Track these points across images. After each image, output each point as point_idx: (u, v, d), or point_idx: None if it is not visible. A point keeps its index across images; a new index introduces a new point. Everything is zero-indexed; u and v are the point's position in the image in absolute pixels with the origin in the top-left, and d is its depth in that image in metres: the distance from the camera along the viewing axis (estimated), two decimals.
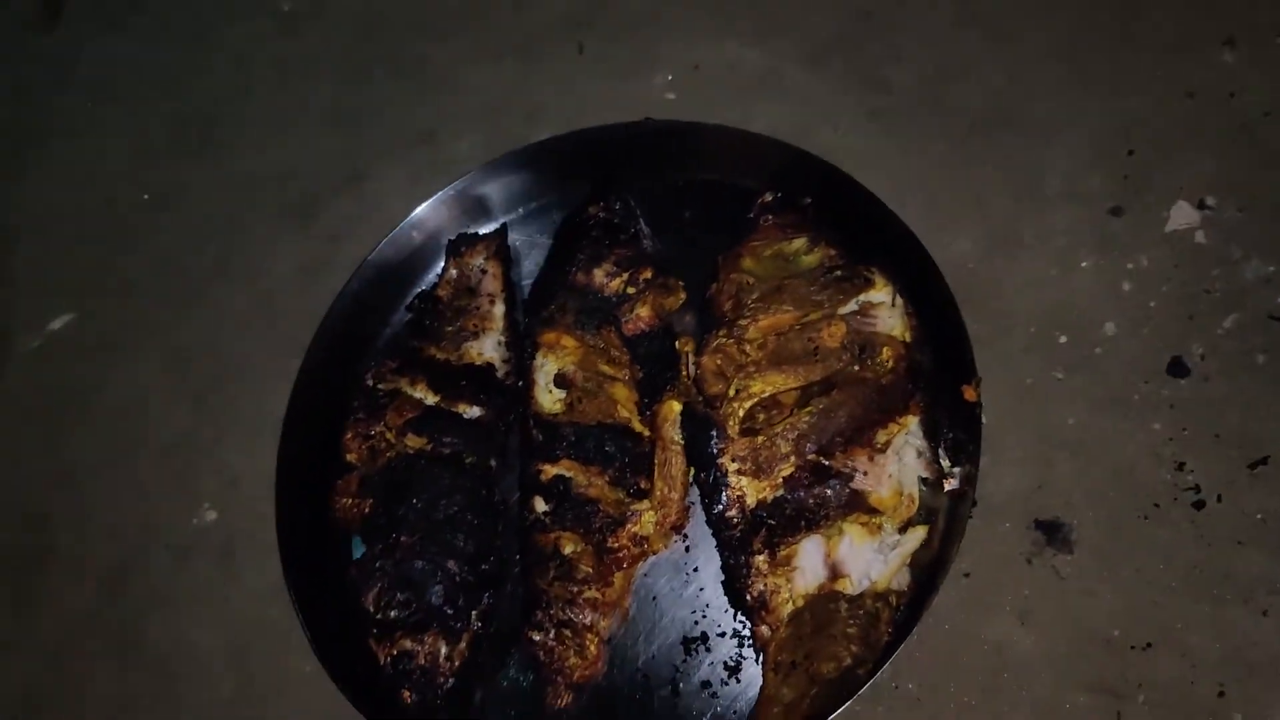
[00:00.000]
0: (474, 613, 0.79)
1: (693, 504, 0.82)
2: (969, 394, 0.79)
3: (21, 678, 0.90)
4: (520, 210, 0.98)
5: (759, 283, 0.85)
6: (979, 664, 0.77)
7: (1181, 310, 0.88)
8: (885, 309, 0.82)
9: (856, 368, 0.79)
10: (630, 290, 0.88)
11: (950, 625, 0.79)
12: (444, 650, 0.77)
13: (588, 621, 0.78)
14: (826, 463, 0.77)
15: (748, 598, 0.76)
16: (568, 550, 0.79)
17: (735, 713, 0.76)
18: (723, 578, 0.80)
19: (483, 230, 0.96)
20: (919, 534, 0.77)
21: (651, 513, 0.81)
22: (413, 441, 0.83)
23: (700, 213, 0.95)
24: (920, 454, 0.79)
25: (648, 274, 0.88)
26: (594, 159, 0.95)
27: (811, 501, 0.76)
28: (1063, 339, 0.89)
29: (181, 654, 0.89)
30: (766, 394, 0.80)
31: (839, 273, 0.84)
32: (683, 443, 0.82)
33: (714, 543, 0.80)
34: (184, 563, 0.93)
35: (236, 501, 0.94)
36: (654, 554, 0.82)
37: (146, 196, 1.11)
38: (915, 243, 0.84)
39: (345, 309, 0.91)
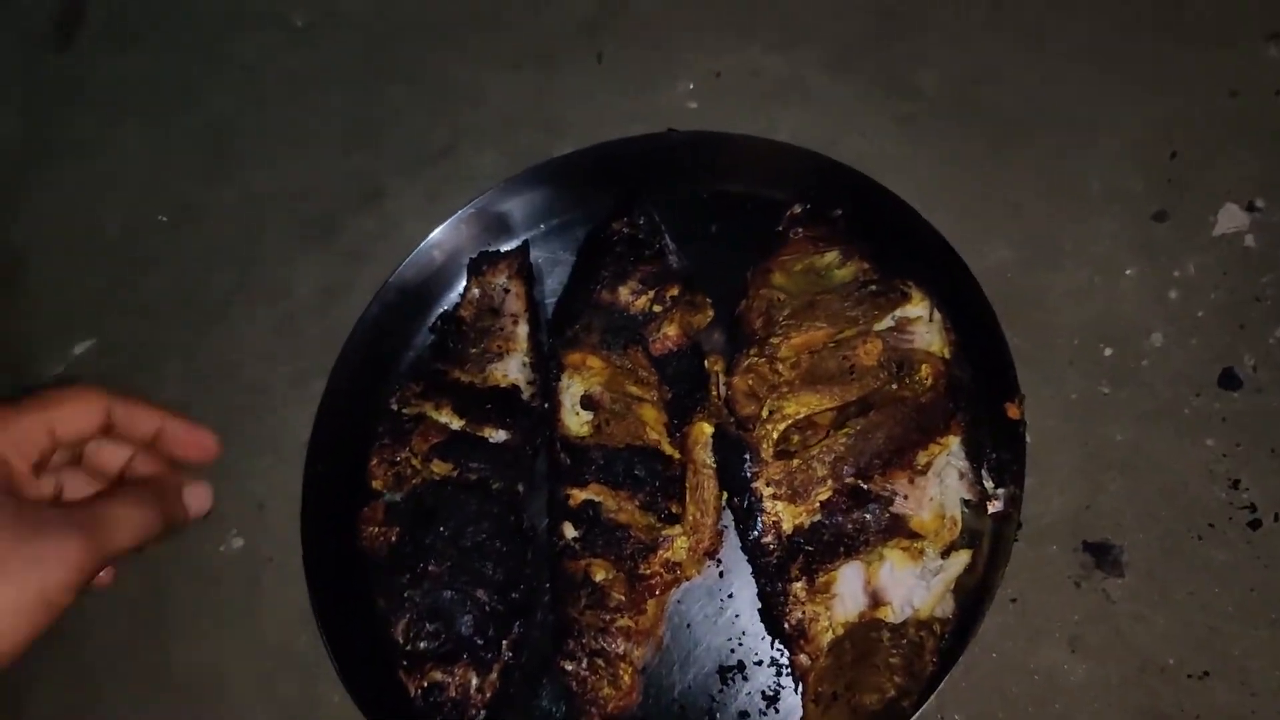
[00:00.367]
0: (504, 642, 0.77)
1: (726, 528, 0.80)
2: (1012, 412, 0.76)
3: (54, 710, 0.90)
4: (542, 226, 0.96)
5: (790, 299, 0.82)
6: (1028, 694, 0.75)
7: (1232, 319, 0.85)
8: (923, 324, 0.80)
9: (894, 386, 0.77)
10: (657, 308, 0.85)
11: (997, 654, 0.76)
12: (475, 681, 0.75)
13: (621, 650, 0.76)
14: (865, 486, 0.74)
15: (785, 626, 0.74)
16: (599, 577, 0.77)
17: None
18: (759, 604, 0.77)
19: (504, 248, 0.95)
20: (963, 559, 0.74)
21: (684, 538, 0.79)
22: (439, 467, 0.82)
23: (727, 226, 0.93)
24: (963, 475, 0.76)
25: (674, 291, 0.86)
26: (616, 173, 0.93)
27: (850, 526, 0.74)
28: (1108, 351, 0.86)
29: (209, 683, 0.88)
30: (801, 415, 0.77)
31: (873, 287, 0.81)
32: (714, 466, 0.79)
33: (749, 568, 0.78)
34: (212, 591, 0.92)
35: (263, 528, 0.93)
36: (687, 580, 0.79)
37: (163, 217, 1.10)
38: (952, 254, 0.81)
39: (367, 333, 0.90)
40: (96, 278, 1.08)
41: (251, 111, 1.16)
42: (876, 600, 0.73)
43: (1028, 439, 0.76)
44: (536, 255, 0.95)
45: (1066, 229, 0.91)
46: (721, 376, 0.83)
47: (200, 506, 0.62)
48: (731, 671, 0.77)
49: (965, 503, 0.76)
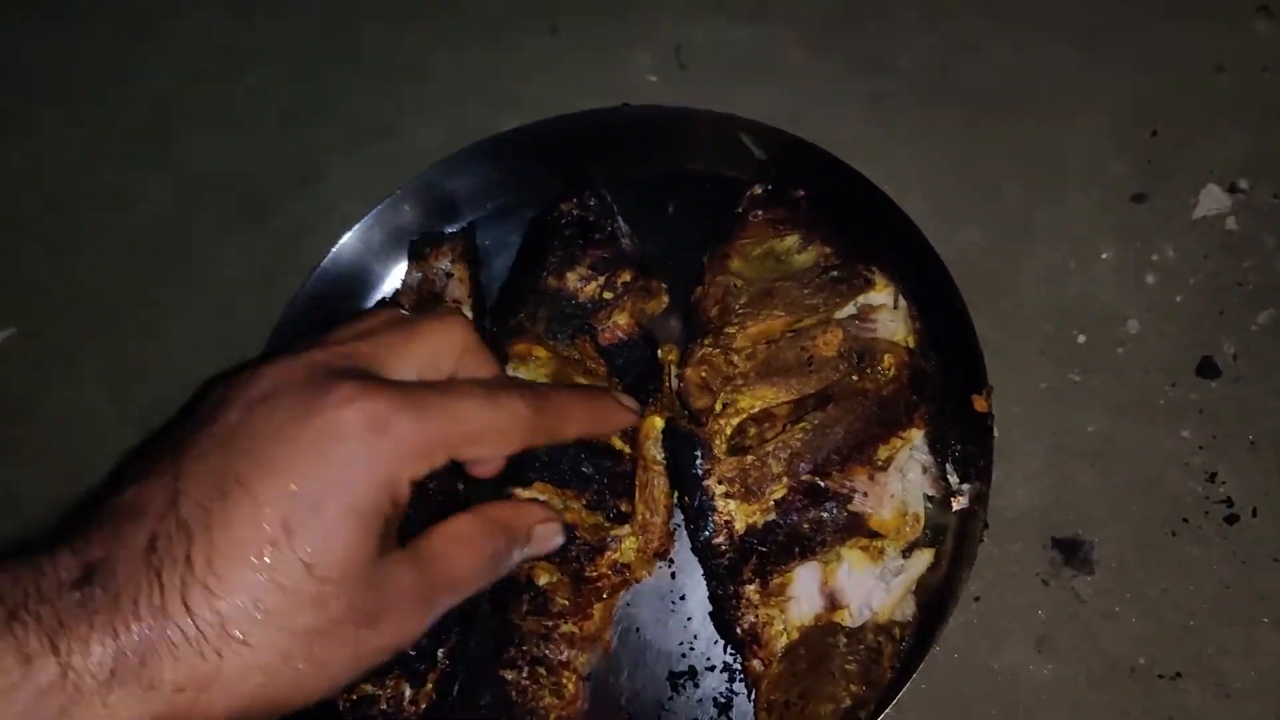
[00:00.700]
0: (440, 651, 0.72)
1: (678, 526, 0.76)
2: (979, 404, 0.72)
3: None
4: (489, 206, 0.91)
5: (747, 285, 0.77)
6: (991, 696, 0.71)
7: (1211, 305, 0.81)
8: (886, 312, 0.75)
9: (855, 378, 0.72)
10: (607, 295, 0.80)
11: (959, 654, 0.72)
12: (408, 694, 0.71)
13: (564, 658, 0.72)
14: (822, 483, 0.70)
15: (738, 630, 0.70)
16: (542, 581, 0.73)
17: None
18: (711, 608, 0.73)
19: (448, 230, 0.89)
20: (925, 558, 0.70)
21: (633, 538, 0.74)
22: None
23: (685, 207, 0.88)
24: (926, 470, 0.72)
25: (626, 277, 0.81)
26: (567, 150, 0.88)
27: (806, 526, 0.69)
28: (1081, 338, 0.81)
29: None
30: (756, 409, 0.73)
31: (835, 273, 0.76)
32: (664, 462, 0.75)
33: (702, 570, 0.74)
34: None
35: None
36: (637, 582, 0.75)
37: (91, 200, 1.04)
38: (919, 236, 0.77)
39: (297, 320, 0.84)
40: (18, 264, 1.02)
41: (186, 91, 1.09)
42: (833, 603, 0.69)
43: (995, 433, 0.72)
44: (483, 238, 0.89)
45: (1041, 210, 0.87)
46: (674, 368, 0.78)
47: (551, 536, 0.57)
48: (682, 678, 0.73)
49: (928, 499, 0.72)
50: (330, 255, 0.85)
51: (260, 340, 0.85)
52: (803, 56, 0.99)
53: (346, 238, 0.86)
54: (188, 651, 0.39)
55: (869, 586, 0.69)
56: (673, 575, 0.76)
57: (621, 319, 0.80)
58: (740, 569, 0.70)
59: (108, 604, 0.38)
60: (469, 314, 0.84)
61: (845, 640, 0.67)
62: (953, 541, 0.71)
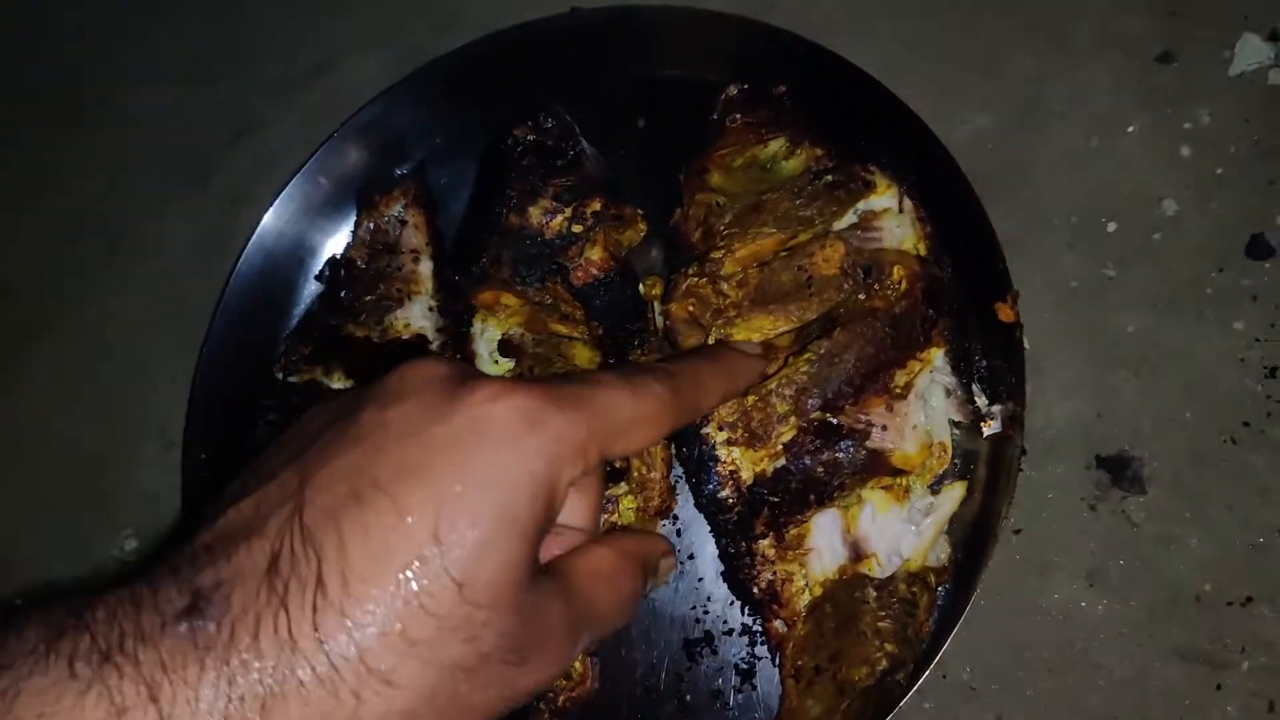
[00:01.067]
0: None
1: (679, 480, 0.68)
2: (1004, 313, 0.64)
3: None
4: (438, 141, 0.81)
5: (731, 202, 0.68)
6: (1043, 640, 0.64)
7: (1258, 174, 0.71)
8: (891, 217, 0.66)
9: (862, 296, 0.64)
10: (576, 229, 0.71)
11: (1003, 596, 0.65)
12: None
13: None
14: (835, 420, 0.62)
15: (755, 590, 0.63)
16: None
17: None
18: (723, 567, 0.66)
19: (398, 172, 0.80)
20: (956, 492, 0.63)
21: (630, 498, 0.67)
22: None
23: (656, 120, 0.78)
24: (950, 394, 0.64)
25: (596, 206, 0.72)
26: (516, 68, 0.78)
27: (820, 470, 0.62)
28: (1111, 226, 0.72)
29: None
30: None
31: (830, 177, 0.67)
32: None
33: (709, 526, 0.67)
34: None
35: (158, 525, 0.81)
36: None
37: (16, 179, 0.95)
38: (920, 126, 0.67)
39: (244, 288, 0.76)
40: None
41: (100, 47, 0.98)
42: (858, 552, 0.62)
43: (1025, 343, 0.64)
44: (436, 178, 0.80)
45: (1055, 83, 0.77)
46: (658, 304, 0.70)
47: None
48: (699, 645, 0.66)
49: (955, 425, 0.64)
50: (265, 220, 0.76)
51: (208, 314, 0.77)
52: None
53: (283, 194, 0.77)
54: (319, 694, 0.32)
55: (896, 530, 0.62)
56: (679, 532, 0.69)
57: (595, 254, 0.71)
58: (751, 523, 0.62)
59: (221, 639, 0.31)
60: (428, 264, 0.76)
61: (875, 593, 0.60)
62: (986, 471, 0.64)
